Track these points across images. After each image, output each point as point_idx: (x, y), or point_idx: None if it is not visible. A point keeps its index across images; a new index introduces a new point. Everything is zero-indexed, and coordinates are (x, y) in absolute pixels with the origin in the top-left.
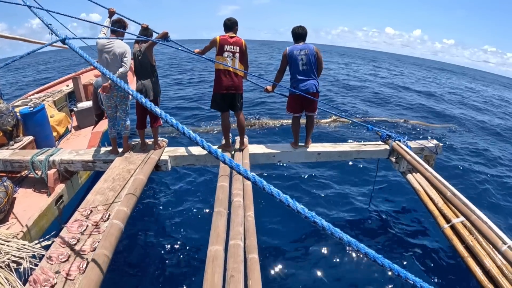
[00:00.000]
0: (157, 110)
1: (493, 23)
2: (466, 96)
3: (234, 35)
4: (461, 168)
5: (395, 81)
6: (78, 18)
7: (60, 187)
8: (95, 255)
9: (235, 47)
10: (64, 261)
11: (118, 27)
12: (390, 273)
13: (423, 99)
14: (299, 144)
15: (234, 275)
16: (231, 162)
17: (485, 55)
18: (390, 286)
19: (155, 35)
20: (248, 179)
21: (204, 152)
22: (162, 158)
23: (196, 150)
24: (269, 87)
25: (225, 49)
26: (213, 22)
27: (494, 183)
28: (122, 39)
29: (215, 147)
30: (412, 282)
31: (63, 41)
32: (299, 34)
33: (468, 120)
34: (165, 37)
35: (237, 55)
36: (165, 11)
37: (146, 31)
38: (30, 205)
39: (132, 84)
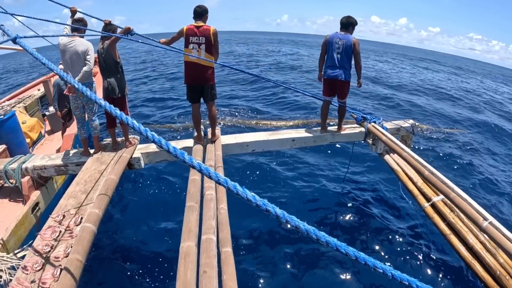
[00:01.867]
0: (126, 118)
1: (478, 11)
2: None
3: (202, 24)
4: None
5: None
6: (37, 19)
7: (35, 194)
8: (68, 261)
9: (201, 37)
10: (39, 270)
11: (79, 26)
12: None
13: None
14: (329, 128)
15: (207, 270)
16: (191, 161)
17: (470, 42)
18: (364, 277)
19: (118, 31)
20: (200, 172)
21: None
22: (134, 156)
23: None
24: (319, 75)
25: (190, 41)
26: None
27: None
28: (83, 36)
29: (189, 141)
30: (390, 275)
31: (13, 40)
32: (342, 23)
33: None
34: (128, 31)
35: (203, 46)
36: (149, 3)
37: (108, 27)
38: (6, 215)
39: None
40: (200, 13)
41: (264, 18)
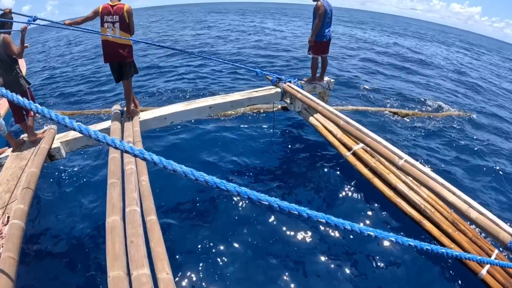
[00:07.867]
0: (25, 102)
1: None
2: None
3: (117, 2)
4: None
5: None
6: None
7: None
8: (1, 261)
9: (115, 16)
10: None
11: None
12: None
13: None
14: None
15: (134, 240)
16: (105, 138)
17: (411, 2)
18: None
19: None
20: (116, 148)
21: None
22: (54, 146)
23: None
24: (310, 38)
25: (105, 20)
26: None
27: None
28: None
29: (107, 122)
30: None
31: None
32: None
33: None
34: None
35: (117, 24)
36: None
37: (7, 17)
38: None
39: None
40: None
41: None
